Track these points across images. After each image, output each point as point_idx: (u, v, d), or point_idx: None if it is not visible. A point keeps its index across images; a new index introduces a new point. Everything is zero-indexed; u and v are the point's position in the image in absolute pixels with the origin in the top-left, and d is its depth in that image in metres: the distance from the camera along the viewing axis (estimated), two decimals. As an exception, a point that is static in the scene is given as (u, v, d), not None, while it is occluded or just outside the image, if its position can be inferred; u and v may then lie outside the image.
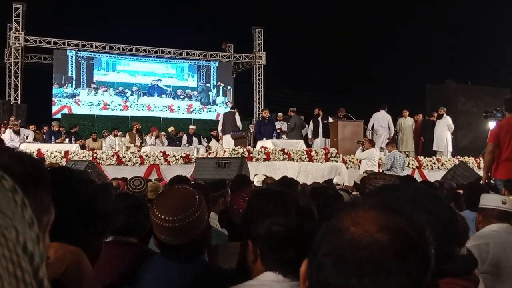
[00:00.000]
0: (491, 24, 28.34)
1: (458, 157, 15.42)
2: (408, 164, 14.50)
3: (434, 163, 14.90)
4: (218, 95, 26.11)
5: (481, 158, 13.93)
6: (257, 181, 7.82)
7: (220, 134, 16.51)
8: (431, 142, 16.32)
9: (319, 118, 16.25)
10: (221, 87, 26.05)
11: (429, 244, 0.92)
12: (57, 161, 12.95)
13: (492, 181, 6.48)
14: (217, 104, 25.96)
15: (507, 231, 3.31)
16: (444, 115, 16.34)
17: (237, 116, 15.85)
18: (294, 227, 1.62)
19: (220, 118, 17.10)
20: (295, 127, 15.94)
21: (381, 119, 16.25)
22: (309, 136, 16.72)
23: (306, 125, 16.80)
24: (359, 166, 13.17)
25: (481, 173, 9.34)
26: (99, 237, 1.57)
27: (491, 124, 14.22)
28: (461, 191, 6.21)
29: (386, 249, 0.87)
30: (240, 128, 15.94)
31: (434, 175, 13.22)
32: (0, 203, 0.56)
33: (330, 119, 15.85)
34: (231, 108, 17.52)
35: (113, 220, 1.59)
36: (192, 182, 6.09)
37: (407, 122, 16.67)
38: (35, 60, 24.07)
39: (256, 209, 1.72)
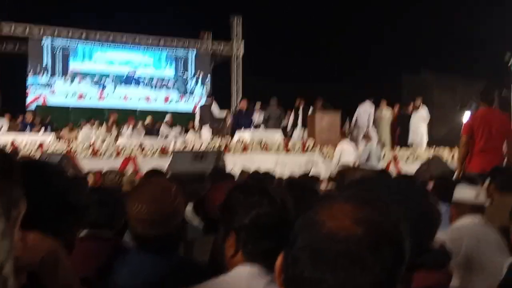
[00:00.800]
0: (468, 14, 28.64)
1: (434, 146, 15.56)
2: (384, 155, 14.62)
3: (411, 154, 15.01)
4: (196, 85, 25.98)
5: (456, 150, 14.10)
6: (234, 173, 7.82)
7: (198, 126, 16.41)
8: (406, 134, 16.46)
9: (301, 108, 16.20)
10: (199, 78, 25.92)
11: (404, 237, 0.92)
12: (31, 154, 12.77)
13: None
14: (194, 94, 25.83)
15: (480, 223, 3.35)
16: (421, 105, 16.44)
17: (214, 105, 15.76)
18: (277, 217, 1.66)
19: (197, 112, 16.95)
20: (270, 119, 15.88)
21: (363, 112, 16.25)
22: (288, 127, 16.76)
23: (287, 116, 16.90)
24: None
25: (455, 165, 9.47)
26: (72, 230, 1.56)
27: (466, 115, 14.40)
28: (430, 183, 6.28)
29: (361, 242, 0.87)
30: (223, 115, 15.87)
31: (410, 168, 13.35)
32: None
33: (311, 110, 15.84)
34: (208, 97, 17.38)
35: (86, 213, 1.58)
36: (168, 176, 6.07)
37: (384, 113, 16.79)
38: (10, 50, 23.65)
39: (240, 200, 1.73)
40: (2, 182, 0.89)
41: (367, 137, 13.15)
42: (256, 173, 6.33)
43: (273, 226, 1.64)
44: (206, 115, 15.62)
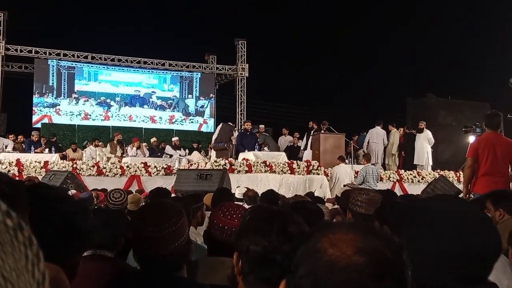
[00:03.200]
0: (471, 38, 28.78)
1: (438, 170, 15.58)
2: (389, 177, 14.64)
3: (415, 177, 15.03)
4: (206, 106, 26.02)
5: (461, 172, 14.08)
6: (238, 193, 7.79)
7: (213, 142, 16.51)
8: (411, 155, 16.50)
9: (312, 131, 16.29)
10: (203, 99, 26.01)
11: (406, 266, 0.92)
12: (36, 172, 12.80)
13: (472, 195, 6.53)
14: (201, 115, 25.90)
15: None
16: (424, 129, 16.55)
17: (235, 133, 15.99)
18: (271, 248, 1.59)
19: (218, 128, 17.05)
20: (269, 145, 16.10)
21: (375, 135, 16.61)
22: (302, 148, 16.83)
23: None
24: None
25: (461, 187, 9.44)
26: (77, 255, 1.55)
27: (471, 139, 14.40)
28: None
29: (363, 272, 0.87)
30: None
31: (415, 189, 13.35)
32: (6, 261, 0.51)
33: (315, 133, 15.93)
34: (231, 123, 17.67)
35: (91, 237, 1.58)
36: (173, 195, 6.07)
37: (393, 136, 16.98)
38: (16, 69, 23.81)
39: (245, 223, 1.71)
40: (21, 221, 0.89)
41: (365, 158, 13.33)
42: (265, 193, 6.31)
43: (265, 256, 1.59)
44: (224, 135, 15.72)
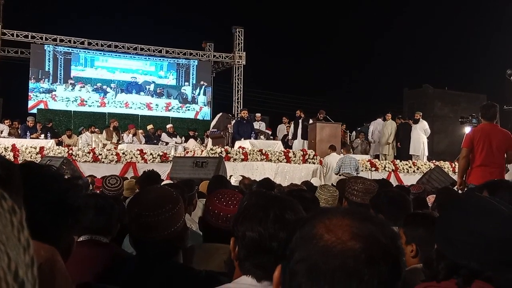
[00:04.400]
0: (469, 30, 28.76)
1: (434, 161, 15.61)
2: (385, 167, 14.67)
3: (410, 167, 15.06)
4: (198, 94, 25.96)
5: (456, 163, 14.12)
6: (234, 181, 7.81)
7: (210, 130, 16.58)
8: (407, 146, 16.55)
9: (300, 120, 16.31)
10: (200, 86, 25.94)
11: (400, 252, 0.93)
12: (32, 157, 12.77)
13: (467, 186, 6.54)
14: (196, 103, 25.84)
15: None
16: (420, 119, 16.59)
17: (233, 122, 16.01)
18: (267, 235, 1.58)
19: (217, 116, 17.06)
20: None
21: (379, 127, 17.00)
22: (289, 137, 16.80)
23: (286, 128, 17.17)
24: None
25: (456, 177, 9.46)
26: (70, 232, 1.55)
27: (467, 130, 14.43)
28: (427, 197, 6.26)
29: (359, 257, 0.88)
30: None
31: (410, 179, 13.39)
32: None
33: (311, 121, 15.93)
34: (230, 114, 17.68)
35: (83, 214, 1.58)
36: (168, 181, 6.06)
37: (389, 125, 17.03)
38: (12, 54, 23.67)
39: (242, 209, 1.71)
40: (2, 189, 0.89)
41: (344, 149, 13.61)
42: (261, 181, 6.32)
43: (261, 243, 1.58)
44: (222, 124, 15.75)
